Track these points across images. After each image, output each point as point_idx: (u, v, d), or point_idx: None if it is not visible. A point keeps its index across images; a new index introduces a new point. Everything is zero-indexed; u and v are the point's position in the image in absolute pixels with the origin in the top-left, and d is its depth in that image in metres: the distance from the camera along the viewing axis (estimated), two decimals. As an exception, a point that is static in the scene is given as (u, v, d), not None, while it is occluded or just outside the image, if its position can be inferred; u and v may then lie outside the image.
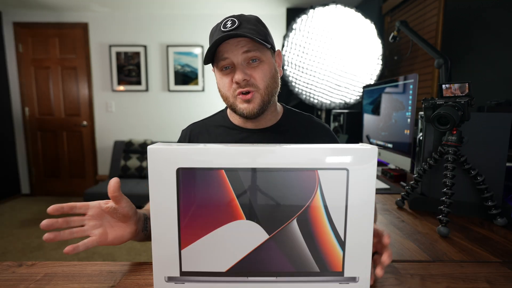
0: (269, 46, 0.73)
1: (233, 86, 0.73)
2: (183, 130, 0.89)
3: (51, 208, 0.51)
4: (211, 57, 0.73)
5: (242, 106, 0.74)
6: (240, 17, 0.73)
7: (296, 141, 0.82)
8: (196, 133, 0.86)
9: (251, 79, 0.72)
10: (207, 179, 0.44)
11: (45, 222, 0.50)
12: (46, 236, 0.50)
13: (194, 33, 3.48)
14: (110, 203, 0.54)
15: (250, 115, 0.74)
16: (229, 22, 0.71)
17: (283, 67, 2.38)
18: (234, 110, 0.76)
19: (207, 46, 3.47)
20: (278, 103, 0.86)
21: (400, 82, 1.30)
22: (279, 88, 0.79)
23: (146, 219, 0.61)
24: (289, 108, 0.89)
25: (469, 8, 1.72)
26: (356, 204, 0.44)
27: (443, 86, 0.82)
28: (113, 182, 0.52)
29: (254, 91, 0.73)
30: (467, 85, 0.79)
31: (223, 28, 0.71)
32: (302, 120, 0.86)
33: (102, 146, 3.72)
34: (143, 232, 0.61)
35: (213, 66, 0.78)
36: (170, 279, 0.47)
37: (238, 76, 0.71)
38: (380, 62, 2.44)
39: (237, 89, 0.73)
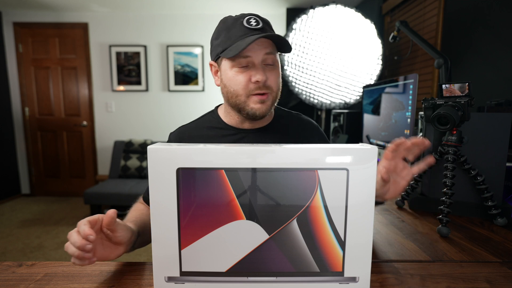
0: (290, 51, 0.74)
1: (250, 85, 0.72)
2: (171, 134, 0.86)
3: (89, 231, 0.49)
4: (239, 50, 0.67)
5: (255, 106, 0.73)
6: (260, 18, 0.73)
7: (289, 139, 0.83)
8: (185, 136, 0.83)
9: (268, 80, 0.73)
10: (207, 179, 0.44)
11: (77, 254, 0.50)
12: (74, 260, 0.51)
13: (194, 33, 3.48)
14: (105, 230, 0.54)
15: (261, 116, 0.75)
16: (253, 20, 0.71)
17: (282, 67, 2.39)
18: (242, 109, 0.75)
19: (207, 46, 3.47)
20: None
21: (400, 82, 1.30)
22: None
23: (137, 236, 0.61)
24: (278, 107, 0.89)
25: (469, 8, 1.72)
26: (356, 204, 0.44)
27: (443, 86, 0.82)
28: (109, 215, 0.51)
29: (268, 93, 0.74)
30: (467, 85, 0.79)
31: (247, 24, 0.70)
32: (292, 118, 0.88)
33: (102, 146, 3.72)
34: (129, 248, 0.60)
35: (225, 59, 0.74)
36: (170, 279, 0.47)
37: (261, 77, 0.70)
38: (380, 62, 2.44)
39: (254, 89, 0.72)
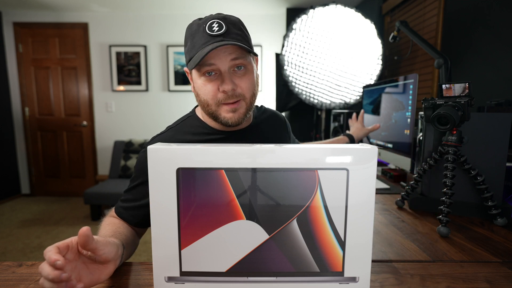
0: (256, 55, 0.73)
1: (219, 95, 0.70)
2: (147, 144, 0.79)
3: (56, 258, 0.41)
4: (198, 62, 0.66)
5: (227, 115, 0.72)
6: (226, 20, 0.69)
7: (270, 135, 0.87)
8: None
9: (237, 88, 0.70)
10: (207, 179, 0.44)
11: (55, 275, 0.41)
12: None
13: (194, 33, 3.48)
14: (84, 252, 0.47)
15: (234, 124, 0.73)
16: (215, 25, 0.67)
17: (282, 67, 2.39)
18: (215, 118, 0.74)
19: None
20: None
21: (400, 82, 1.30)
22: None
23: (123, 248, 0.55)
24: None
25: (469, 8, 1.72)
26: (356, 204, 0.44)
27: (443, 86, 0.82)
28: (82, 234, 0.43)
29: (240, 99, 0.71)
30: (467, 85, 0.79)
31: (208, 30, 0.67)
32: (264, 113, 0.91)
33: (102, 146, 3.72)
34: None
35: (189, 69, 0.73)
36: (170, 279, 0.47)
37: (227, 86, 0.68)
38: (380, 62, 2.44)
39: (223, 98, 0.70)
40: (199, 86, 0.72)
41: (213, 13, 0.72)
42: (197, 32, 0.69)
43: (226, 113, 0.72)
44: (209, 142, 0.78)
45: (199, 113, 0.83)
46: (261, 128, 0.86)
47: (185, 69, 0.77)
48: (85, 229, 0.43)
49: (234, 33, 0.69)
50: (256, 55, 0.75)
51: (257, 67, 0.78)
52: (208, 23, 0.68)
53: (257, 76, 0.77)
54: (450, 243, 0.71)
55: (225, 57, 0.68)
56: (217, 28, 0.67)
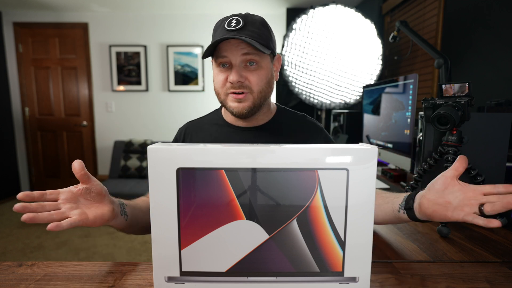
0: (269, 52, 0.73)
1: (227, 84, 0.75)
2: (180, 128, 0.91)
3: (21, 194, 0.50)
4: (210, 52, 0.74)
5: (232, 105, 0.76)
6: (246, 18, 0.73)
7: (289, 139, 0.83)
8: (191, 131, 0.88)
9: (245, 81, 0.73)
10: (207, 179, 0.44)
11: (18, 206, 0.48)
12: (24, 216, 0.47)
13: (194, 33, 3.48)
14: (80, 186, 0.55)
15: (239, 115, 0.76)
16: (234, 21, 0.72)
17: (283, 67, 2.38)
18: (225, 106, 0.79)
19: (207, 46, 3.47)
20: (272, 102, 0.87)
21: (400, 82, 1.30)
22: (272, 92, 0.81)
23: (123, 204, 0.63)
24: (283, 107, 0.90)
25: (469, 8, 1.72)
26: (356, 204, 0.44)
27: (443, 86, 0.82)
28: (77, 162, 0.53)
29: (247, 92, 0.74)
30: (467, 85, 0.79)
31: (227, 26, 0.72)
32: (295, 118, 0.88)
33: (102, 146, 3.72)
34: (123, 216, 0.61)
35: (212, 59, 0.79)
36: (170, 279, 0.47)
37: (233, 77, 0.72)
38: (380, 62, 2.44)
39: (230, 88, 0.74)
40: (214, 75, 0.78)
41: (242, 13, 0.76)
42: (219, 27, 0.74)
43: (232, 102, 0.76)
44: (219, 134, 0.84)
45: (223, 107, 0.87)
46: (273, 130, 0.84)
47: (212, 60, 0.83)
48: (78, 160, 0.54)
49: (250, 30, 0.72)
50: (274, 54, 0.78)
51: (276, 68, 0.81)
52: (229, 20, 0.73)
53: (272, 75, 0.79)
54: (450, 243, 0.71)
55: (237, 51, 0.72)
56: (235, 24, 0.72)
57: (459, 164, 0.52)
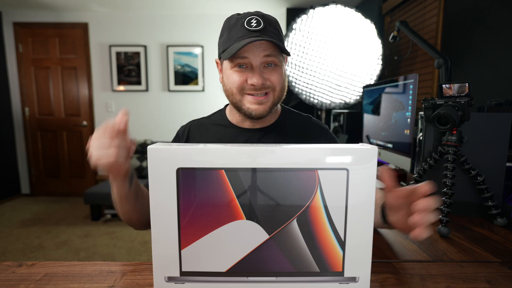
0: (288, 54, 0.74)
1: (247, 86, 0.73)
2: (182, 126, 0.89)
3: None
4: (235, 53, 0.69)
5: (251, 107, 0.74)
6: (264, 18, 0.72)
7: (294, 140, 0.82)
8: (194, 130, 0.86)
9: (267, 81, 0.72)
10: (207, 179, 0.44)
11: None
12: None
13: (194, 33, 3.48)
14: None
15: (258, 116, 0.75)
16: (254, 21, 0.70)
17: (283, 67, 2.38)
18: (239, 108, 0.76)
19: (207, 46, 3.48)
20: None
21: (400, 82, 1.30)
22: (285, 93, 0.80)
23: (133, 173, 0.64)
24: (287, 108, 0.89)
25: (469, 8, 1.72)
26: (356, 204, 0.44)
27: (443, 86, 0.82)
28: (122, 115, 0.56)
29: (270, 91, 0.73)
30: (467, 85, 0.79)
31: (247, 25, 0.70)
32: (300, 120, 0.87)
33: (102, 146, 3.72)
34: (129, 184, 0.62)
35: (221, 60, 0.76)
36: (170, 279, 0.47)
37: (256, 80, 0.70)
38: (380, 62, 2.44)
39: (250, 90, 0.73)
40: (228, 75, 0.75)
41: (251, 11, 0.75)
42: (236, 25, 0.72)
43: (250, 104, 0.74)
44: (223, 135, 0.82)
45: (228, 109, 0.86)
46: (280, 131, 0.83)
47: (216, 59, 0.81)
48: (123, 111, 0.56)
49: (271, 31, 0.71)
50: (288, 54, 0.77)
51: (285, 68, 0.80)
52: (247, 18, 0.71)
53: (286, 74, 0.78)
54: (450, 243, 0.71)
55: (258, 52, 0.70)
56: (255, 24, 0.70)
57: (384, 178, 0.50)
